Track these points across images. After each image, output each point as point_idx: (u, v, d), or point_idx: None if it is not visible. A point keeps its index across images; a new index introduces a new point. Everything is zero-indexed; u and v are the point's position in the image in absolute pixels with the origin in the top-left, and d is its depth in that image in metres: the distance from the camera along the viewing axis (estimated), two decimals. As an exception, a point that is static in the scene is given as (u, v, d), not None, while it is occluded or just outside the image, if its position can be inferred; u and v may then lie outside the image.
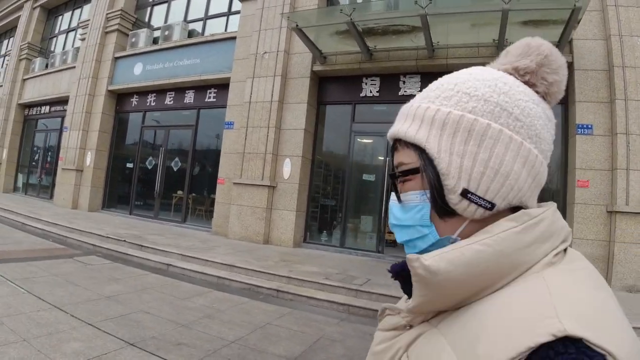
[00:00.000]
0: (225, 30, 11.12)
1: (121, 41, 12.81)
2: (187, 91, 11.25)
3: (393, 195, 0.63)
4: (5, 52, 19.17)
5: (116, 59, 12.66)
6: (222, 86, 10.60)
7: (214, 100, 10.82)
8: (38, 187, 15.30)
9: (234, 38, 10.38)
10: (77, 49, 14.30)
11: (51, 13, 16.83)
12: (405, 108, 0.62)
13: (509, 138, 0.53)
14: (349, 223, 9.18)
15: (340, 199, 9.32)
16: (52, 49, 16.50)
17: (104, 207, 12.51)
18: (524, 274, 0.50)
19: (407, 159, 0.59)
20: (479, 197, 0.53)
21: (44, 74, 15.27)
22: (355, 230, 9.23)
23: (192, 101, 11.16)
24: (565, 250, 0.54)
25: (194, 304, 5.14)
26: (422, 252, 0.56)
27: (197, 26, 11.81)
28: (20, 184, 16.31)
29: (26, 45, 16.10)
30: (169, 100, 11.59)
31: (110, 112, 12.69)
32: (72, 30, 15.53)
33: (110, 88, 12.50)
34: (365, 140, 9.55)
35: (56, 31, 16.45)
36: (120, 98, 12.79)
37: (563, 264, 0.51)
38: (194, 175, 11.05)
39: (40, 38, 16.68)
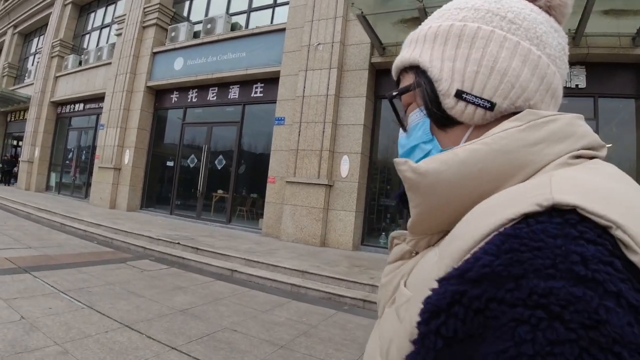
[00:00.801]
0: (272, 22, 10.39)
1: (159, 36, 12.16)
2: (231, 86, 10.54)
3: (401, 131, 0.59)
4: (36, 50, 18.68)
5: (155, 54, 12.01)
6: (270, 80, 9.89)
7: (261, 95, 10.09)
8: (72, 186, 14.70)
9: (282, 30, 9.66)
10: (113, 45, 13.68)
11: (83, 10, 16.30)
12: (408, 37, 0.59)
13: (502, 37, 0.49)
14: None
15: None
16: (84, 46, 15.96)
17: (142, 207, 11.85)
18: (533, 176, 0.41)
19: (407, 83, 0.55)
20: (475, 96, 0.49)
21: (78, 71, 14.69)
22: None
23: (236, 96, 10.45)
24: (591, 159, 0.44)
25: (279, 318, 4.42)
26: None
27: (240, 19, 11.10)
28: (53, 183, 15.73)
29: (58, 42, 15.53)
30: (211, 95, 10.89)
31: (149, 109, 12.03)
32: (106, 26, 14.94)
33: (149, 84, 11.85)
34: (426, 137, 8.73)
35: (89, 28, 15.89)
36: (159, 94, 12.13)
37: (583, 164, 0.42)
38: (240, 174, 10.31)
39: (72, 35, 16.12)
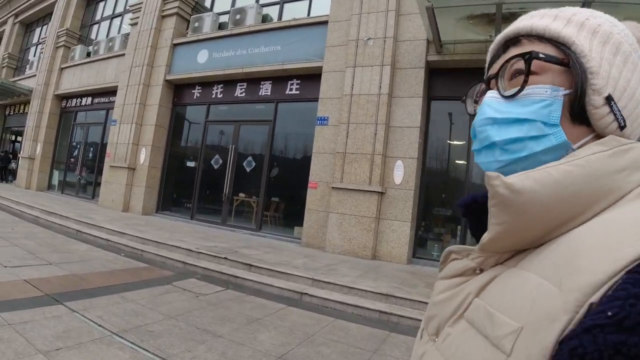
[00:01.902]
0: (308, 14, 9.22)
1: (180, 26, 10.83)
2: (262, 82, 9.32)
3: (490, 93, 0.52)
4: (39, 40, 16.96)
5: (175, 45, 10.67)
6: (307, 76, 8.75)
7: (297, 92, 8.92)
8: (77, 186, 13.10)
9: (323, 23, 8.53)
10: (126, 35, 12.27)
11: (91, -1, 14.71)
12: (541, 11, 0.52)
13: None
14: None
15: (457, 209, 7.48)
16: (93, 36, 14.39)
17: (158, 210, 10.49)
18: (617, 203, 0.41)
19: (527, 49, 0.49)
20: (620, 109, 0.46)
21: (86, 63, 13.17)
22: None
23: (268, 93, 9.24)
24: None
25: (398, 362, 3.33)
26: (521, 160, 0.48)
27: (270, 10, 9.88)
28: (55, 181, 14.09)
29: (64, 31, 13.96)
30: (239, 92, 9.64)
31: (167, 104, 10.68)
32: (118, 15, 13.44)
33: (169, 77, 10.50)
34: (484, 142, 7.75)
35: (97, 17, 14.34)
36: (178, 89, 10.80)
37: None
38: (272, 177, 9.08)
39: (79, 25, 14.55)
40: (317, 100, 8.39)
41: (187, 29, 10.95)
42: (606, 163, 0.42)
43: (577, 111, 0.46)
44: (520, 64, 0.48)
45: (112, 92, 12.02)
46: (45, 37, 14.93)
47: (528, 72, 0.48)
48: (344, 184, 7.42)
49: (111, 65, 12.20)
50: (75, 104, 13.59)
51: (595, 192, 0.41)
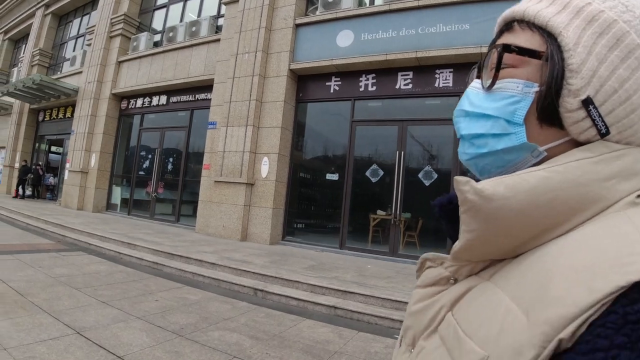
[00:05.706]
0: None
1: (300, 3, 8.25)
2: (438, 70, 6.91)
3: (474, 82, 0.46)
4: (78, 33, 13.80)
5: (297, 26, 8.08)
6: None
7: (495, 81, 6.50)
8: (151, 206, 10.03)
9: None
10: (214, 17, 9.59)
11: (152, -20, 11.78)
12: None
13: None
14: None
15: None
16: (155, 25, 11.48)
17: (284, 237, 7.80)
18: (601, 213, 0.35)
19: (524, 42, 0.41)
20: (600, 115, 0.38)
21: (157, 53, 10.30)
22: None
23: (449, 84, 6.84)
24: None
25: None
26: (484, 156, 0.42)
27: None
28: (117, 200, 11.00)
29: (122, 18, 11.01)
30: (403, 83, 7.16)
31: (291, 100, 8.05)
32: (193, -3, 10.56)
33: (293, 67, 7.89)
34: None
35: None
36: (302, 81, 8.19)
37: None
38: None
39: (138, 10, 11.60)
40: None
41: (308, 7, 8.40)
42: (589, 170, 0.36)
43: (546, 112, 0.40)
44: (506, 57, 0.42)
45: (199, 87, 9.33)
46: (93, 25, 11.86)
47: (498, 66, 0.42)
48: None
49: (197, 55, 9.42)
50: (142, 104, 10.62)
51: (575, 201, 0.35)
